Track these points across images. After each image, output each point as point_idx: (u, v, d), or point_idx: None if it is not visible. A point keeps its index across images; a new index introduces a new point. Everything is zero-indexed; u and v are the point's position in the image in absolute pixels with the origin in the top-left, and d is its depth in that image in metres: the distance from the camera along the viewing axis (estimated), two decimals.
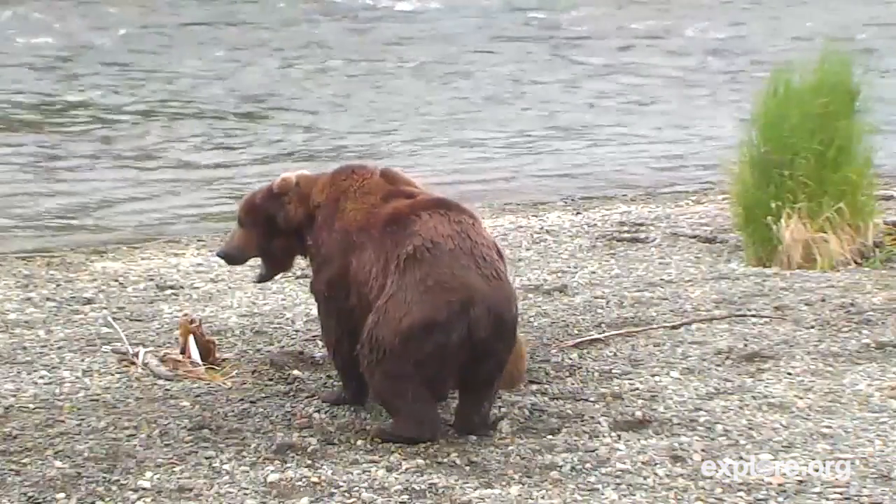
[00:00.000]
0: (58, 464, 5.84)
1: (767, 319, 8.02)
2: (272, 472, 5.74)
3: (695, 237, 10.51)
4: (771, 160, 9.55)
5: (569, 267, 9.66)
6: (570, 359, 7.30)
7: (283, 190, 6.50)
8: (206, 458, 5.90)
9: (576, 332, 7.86)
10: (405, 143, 15.95)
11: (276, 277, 7.38)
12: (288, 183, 6.50)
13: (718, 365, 7.22)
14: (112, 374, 7.13)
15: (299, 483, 5.63)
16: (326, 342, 6.57)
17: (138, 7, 24.40)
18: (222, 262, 7.02)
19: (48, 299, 8.83)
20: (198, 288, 9.20)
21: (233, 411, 6.51)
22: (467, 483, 5.64)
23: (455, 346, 5.83)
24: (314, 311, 8.27)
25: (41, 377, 7.07)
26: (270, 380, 7.04)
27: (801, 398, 6.64)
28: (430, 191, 6.46)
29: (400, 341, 5.86)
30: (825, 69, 9.72)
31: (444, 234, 5.97)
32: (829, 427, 6.24)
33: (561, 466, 5.79)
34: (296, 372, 7.13)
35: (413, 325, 5.83)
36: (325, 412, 6.48)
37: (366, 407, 6.47)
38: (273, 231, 6.56)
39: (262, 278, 6.97)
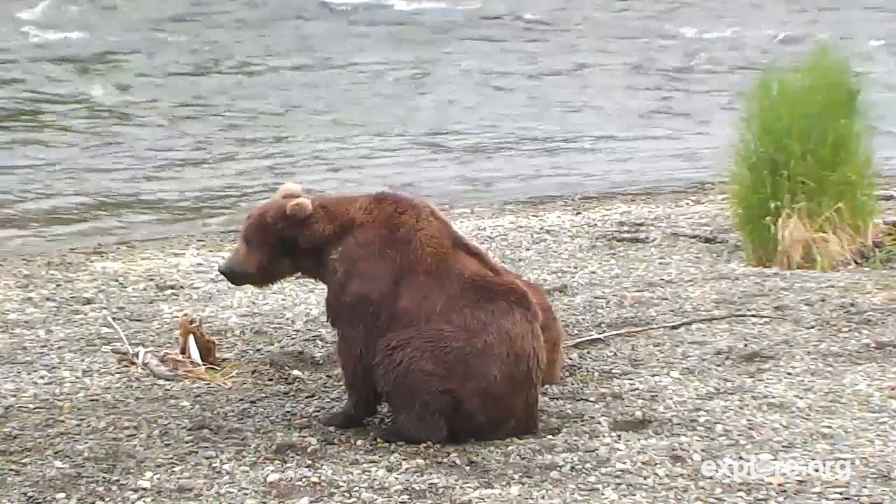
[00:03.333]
0: (58, 464, 5.83)
1: (767, 319, 8.01)
2: (272, 472, 5.74)
3: (695, 237, 10.51)
4: (769, 160, 9.55)
5: (569, 267, 9.66)
6: (570, 359, 7.30)
7: (299, 214, 6.31)
8: (206, 458, 5.90)
9: (576, 332, 7.86)
10: (406, 143, 15.95)
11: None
12: (304, 208, 6.31)
13: (718, 365, 7.21)
14: (112, 374, 7.13)
15: (299, 483, 5.63)
16: (345, 353, 6.30)
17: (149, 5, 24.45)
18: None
19: (48, 299, 8.83)
20: (198, 288, 9.21)
21: (233, 411, 6.51)
22: (467, 483, 5.63)
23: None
24: (314, 312, 8.29)
25: (41, 377, 7.07)
26: (270, 380, 7.04)
27: (801, 398, 6.64)
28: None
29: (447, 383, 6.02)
30: (823, 69, 9.72)
31: (520, 332, 6.10)
32: (829, 427, 6.24)
33: (561, 466, 5.79)
34: (296, 372, 7.13)
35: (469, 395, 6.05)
36: (326, 412, 6.48)
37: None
38: (283, 251, 6.38)
39: (237, 278, 6.56)
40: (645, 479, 5.68)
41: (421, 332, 6.03)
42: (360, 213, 6.29)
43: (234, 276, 6.51)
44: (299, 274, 6.65)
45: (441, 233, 6.25)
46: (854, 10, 24.55)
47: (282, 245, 6.37)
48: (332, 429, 6.25)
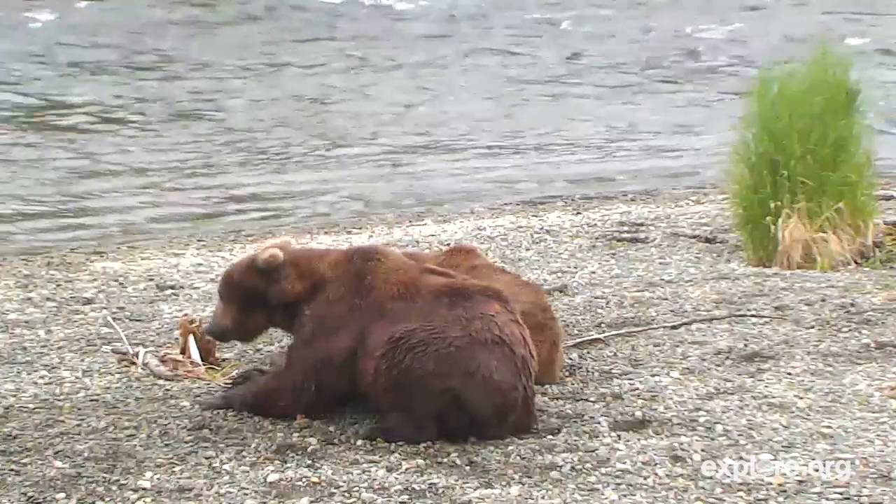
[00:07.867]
0: (58, 464, 5.84)
1: (767, 319, 8.02)
2: (272, 472, 5.74)
3: (695, 237, 10.52)
4: (769, 160, 9.56)
5: (569, 267, 9.66)
6: (570, 359, 7.30)
7: (272, 266, 6.38)
8: (206, 458, 5.90)
9: (576, 332, 7.86)
10: (405, 144, 15.95)
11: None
12: (275, 259, 6.37)
13: (718, 365, 7.21)
14: (112, 374, 7.13)
15: (299, 483, 5.63)
16: (285, 385, 6.33)
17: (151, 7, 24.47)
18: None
19: (48, 299, 8.83)
20: (198, 288, 9.21)
21: (233, 411, 6.50)
22: (467, 483, 5.63)
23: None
24: None
25: (41, 377, 7.07)
26: None
27: (801, 398, 6.64)
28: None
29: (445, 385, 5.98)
30: (823, 68, 9.72)
31: (505, 321, 6.09)
32: (829, 427, 6.24)
33: (561, 466, 5.79)
34: None
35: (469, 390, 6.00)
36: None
37: (363, 408, 6.46)
38: (253, 305, 6.44)
39: (218, 335, 6.69)
40: (645, 479, 5.68)
41: (422, 325, 6.02)
42: (330, 271, 6.34)
43: (215, 333, 6.67)
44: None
45: (408, 264, 6.34)
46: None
47: (252, 299, 6.42)
48: (332, 429, 6.25)
